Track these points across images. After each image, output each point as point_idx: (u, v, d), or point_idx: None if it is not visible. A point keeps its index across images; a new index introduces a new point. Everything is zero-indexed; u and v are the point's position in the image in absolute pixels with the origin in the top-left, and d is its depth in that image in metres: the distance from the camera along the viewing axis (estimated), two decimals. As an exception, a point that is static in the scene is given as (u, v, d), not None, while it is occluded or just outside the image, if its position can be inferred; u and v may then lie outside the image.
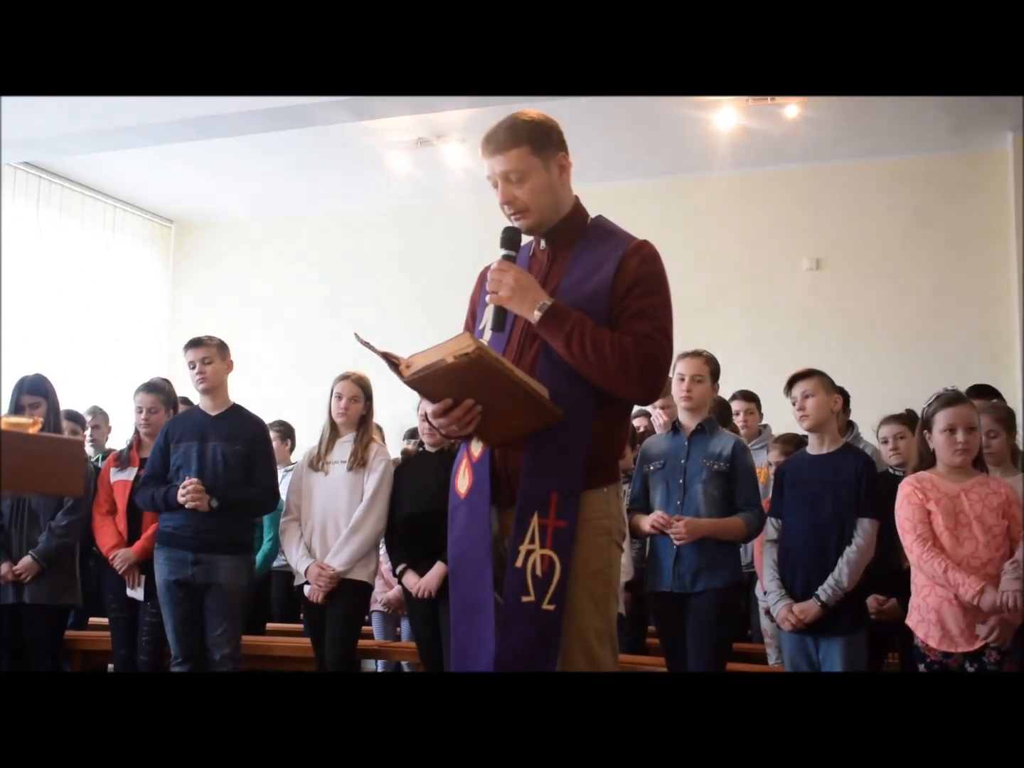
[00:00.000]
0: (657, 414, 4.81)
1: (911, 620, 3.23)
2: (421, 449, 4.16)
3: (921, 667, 3.19)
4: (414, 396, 2.28)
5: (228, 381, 4.16)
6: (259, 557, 4.86)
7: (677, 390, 3.70)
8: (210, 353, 4.07)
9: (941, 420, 3.20)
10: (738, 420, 4.96)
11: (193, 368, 4.06)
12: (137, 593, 4.16)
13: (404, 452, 4.33)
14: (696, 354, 3.67)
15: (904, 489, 3.26)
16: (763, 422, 5.16)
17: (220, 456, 3.98)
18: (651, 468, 3.70)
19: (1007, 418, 3.61)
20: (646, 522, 3.62)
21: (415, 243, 7.99)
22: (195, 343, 4.10)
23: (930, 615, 3.13)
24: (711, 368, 3.67)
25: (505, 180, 2.25)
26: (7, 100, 4.72)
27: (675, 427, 3.71)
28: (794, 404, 3.62)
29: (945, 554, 3.10)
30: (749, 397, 5.06)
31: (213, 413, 4.09)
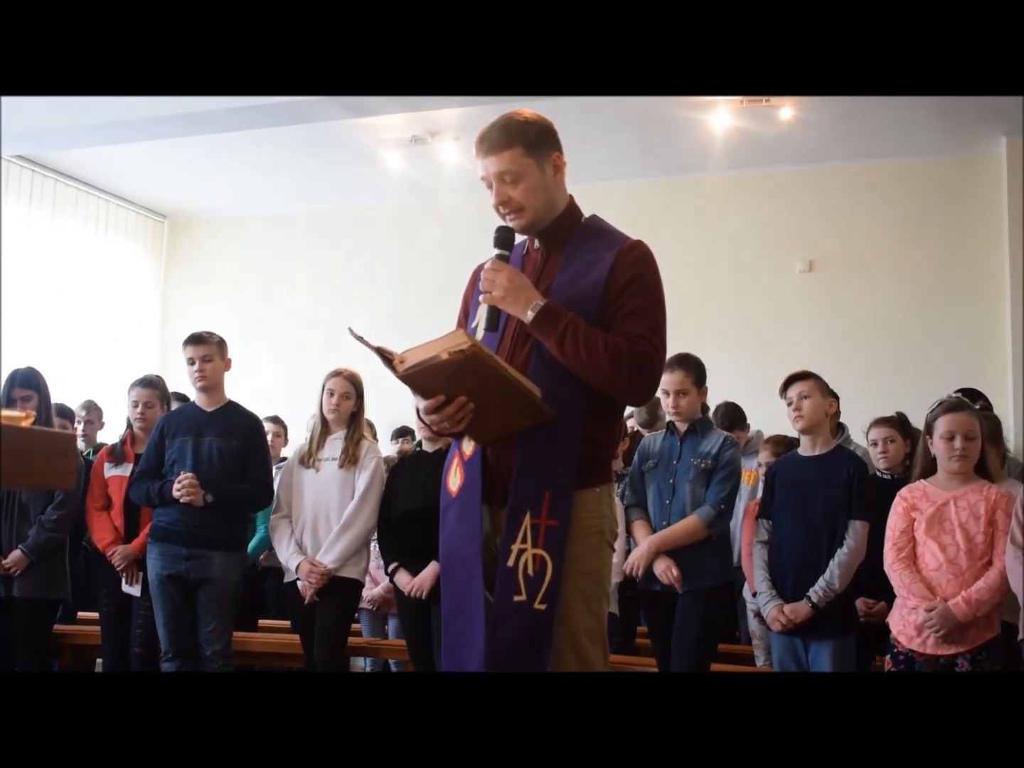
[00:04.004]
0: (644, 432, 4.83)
1: (892, 619, 3.31)
2: (418, 448, 4.15)
3: (888, 657, 3.28)
4: (408, 394, 2.28)
5: (224, 378, 4.14)
6: (251, 546, 4.82)
7: (664, 404, 3.71)
8: (210, 351, 4.05)
9: (941, 426, 3.25)
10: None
11: (192, 364, 4.04)
12: (134, 589, 4.16)
13: (401, 452, 4.32)
14: (677, 365, 3.59)
15: (895, 499, 3.34)
16: (753, 429, 5.16)
17: (215, 451, 3.98)
18: (646, 468, 3.72)
19: (992, 434, 3.62)
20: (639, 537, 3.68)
21: (409, 240, 7.97)
22: (196, 339, 4.07)
23: (908, 616, 3.21)
24: (694, 377, 3.62)
25: (499, 181, 2.25)
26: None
27: (669, 428, 3.72)
28: (789, 405, 3.61)
29: (915, 567, 3.20)
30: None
31: (209, 409, 4.08)
